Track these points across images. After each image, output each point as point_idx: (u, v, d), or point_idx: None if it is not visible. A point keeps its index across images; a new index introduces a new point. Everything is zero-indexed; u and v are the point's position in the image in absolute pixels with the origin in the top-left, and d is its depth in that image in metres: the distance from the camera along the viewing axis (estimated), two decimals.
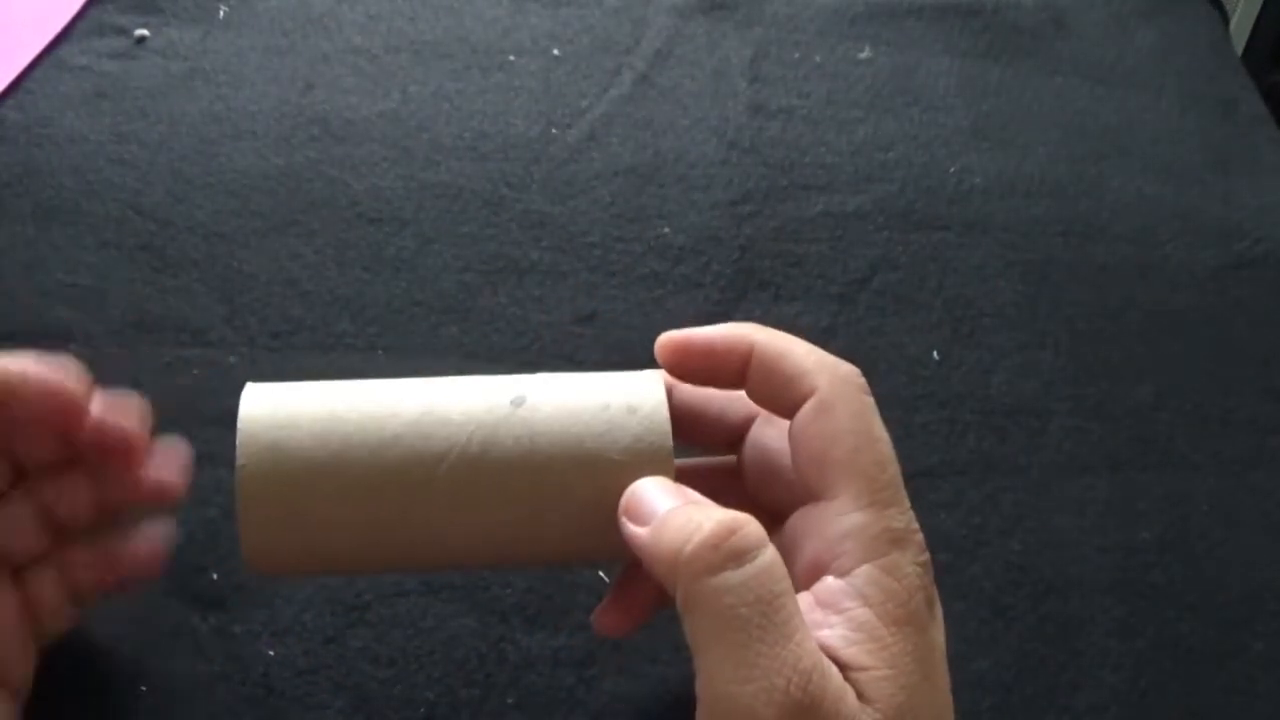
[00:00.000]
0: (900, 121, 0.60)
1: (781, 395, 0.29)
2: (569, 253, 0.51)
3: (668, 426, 0.29)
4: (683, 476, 0.29)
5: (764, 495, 0.31)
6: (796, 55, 0.63)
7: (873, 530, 0.26)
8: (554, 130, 0.56)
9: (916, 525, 0.28)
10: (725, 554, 0.24)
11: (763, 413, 0.32)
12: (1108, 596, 0.42)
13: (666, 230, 0.52)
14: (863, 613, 0.25)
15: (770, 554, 0.25)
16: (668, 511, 0.26)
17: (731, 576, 0.24)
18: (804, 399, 0.28)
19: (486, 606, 0.38)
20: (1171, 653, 0.41)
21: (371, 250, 0.49)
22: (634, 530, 0.27)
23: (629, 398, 0.29)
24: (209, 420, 0.42)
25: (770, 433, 0.32)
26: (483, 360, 0.46)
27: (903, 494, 0.28)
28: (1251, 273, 0.56)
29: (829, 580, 0.26)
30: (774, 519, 0.30)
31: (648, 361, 0.47)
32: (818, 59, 0.64)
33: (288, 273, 0.47)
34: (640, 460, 0.28)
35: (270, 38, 0.58)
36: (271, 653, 0.36)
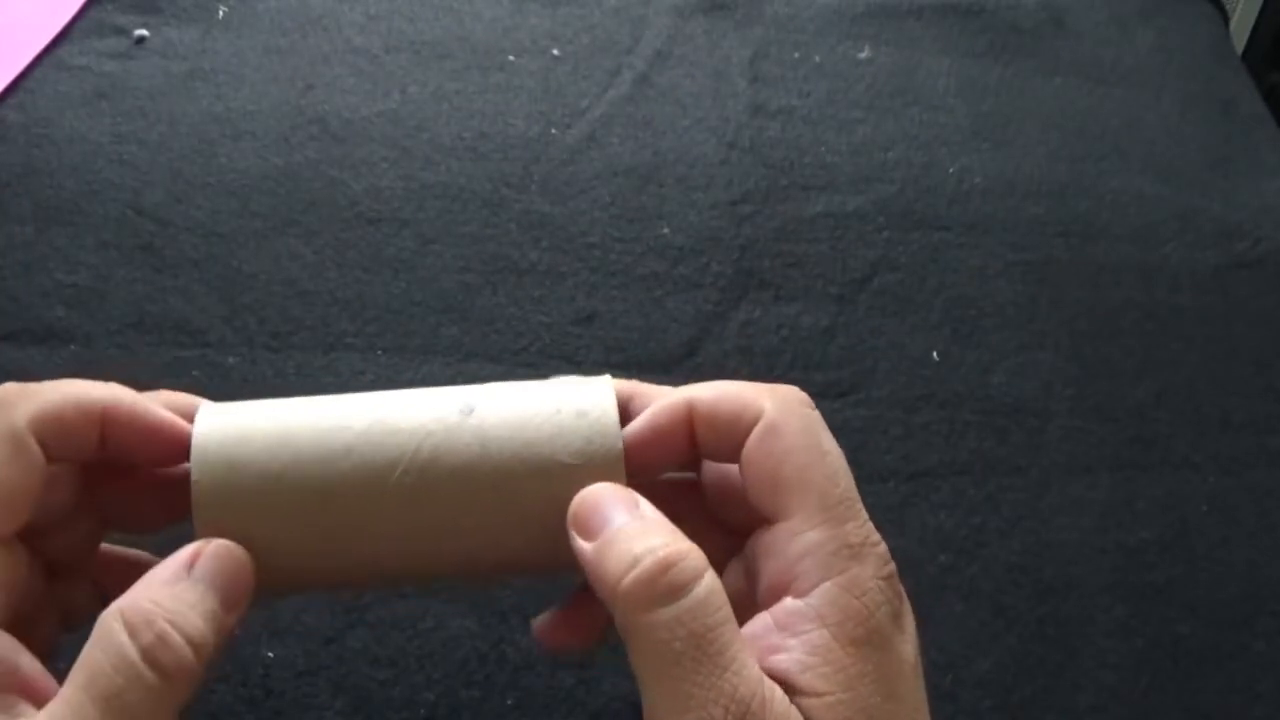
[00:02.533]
0: (900, 121, 0.60)
1: (730, 435, 0.29)
2: (569, 253, 0.51)
3: (617, 429, 0.28)
4: (647, 490, 0.29)
5: (725, 513, 0.31)
6: (796, 55, 0.63)
7: (829, 547, 0.26)
8: (554, 130, 0.56)
9: (877, 537, 0.27)
10: (661, 590, 0.24)
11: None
12: (1108, 596, 0.42)
13: (666, 230, 0.52)
14: (820, 634, 0.25)
15: (706, 586, 0.25)
16: (608, 536, 0.26)
17: (665, 612, 0.24)
18: (751, 427, 0.28)
19: (486, 607, 0.38)
20: (1171, 653, 0.41)
21: (371, 250, 0.49)
22: (580, 545, 0.27)
23: (578, 403, 0.29)
24: None
25: (718, 463, 0.31)
26: (483, 360, 0.46)
27: (859, 507, 0.27)
28: (1251, 273, 0.56)
29: (787, 601, 0.26)
30: (736, 536, 0.30)
31: (648, 361, 0.47)
32: (818, 59, 0.64)
33: (288, 273, 0.47)
34: (591, 464, 0.28)
35: (270, 38, 0.58)
36: (271, 654, 0.36)
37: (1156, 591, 0.43)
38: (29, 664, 0.24)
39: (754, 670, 0.24)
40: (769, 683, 0.24)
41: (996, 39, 0.68)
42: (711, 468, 0.31)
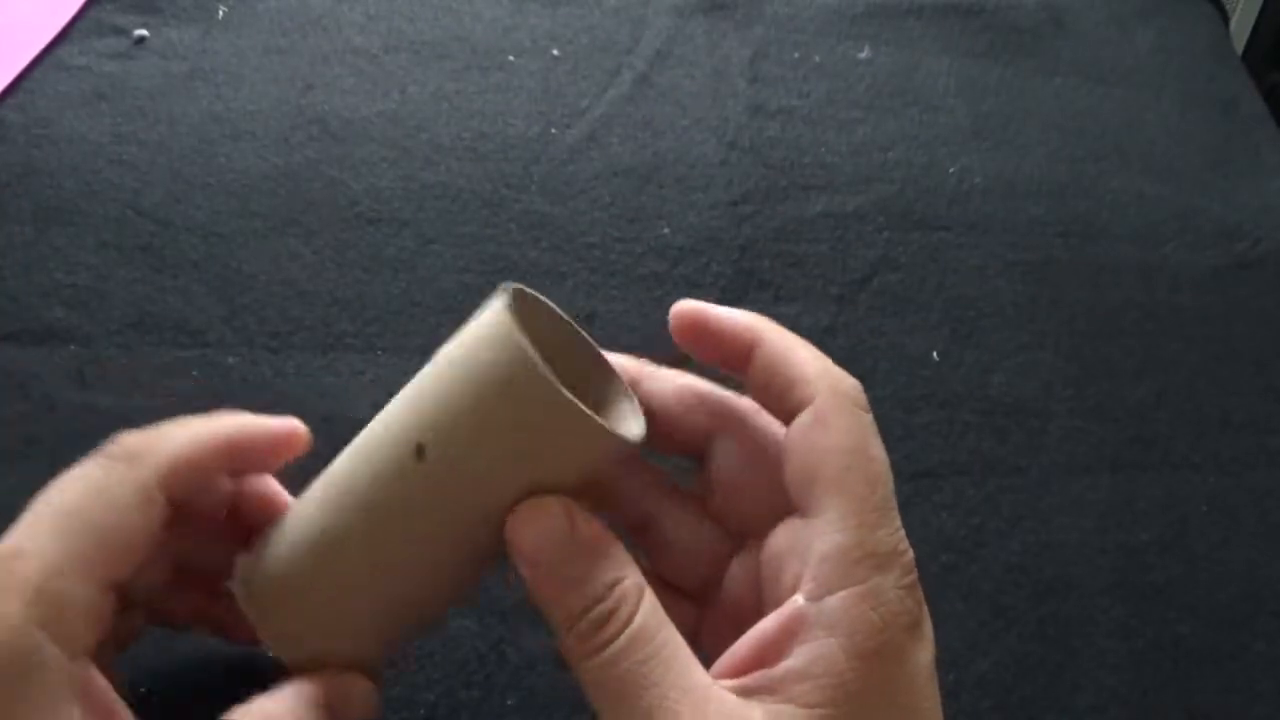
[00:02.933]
0: (900, 121, 0.60)
1: (780, 398, 0.29)
2: (569, 253, 0.51)
3: (552, 396, 0.27)
4: (645, 489, 0.30)
5: (730, 510, 0.31)
6: (796, 55, 0.63)
7: (855, 554, 0.26)
8: (553, 130, 0.56)
9: (905, 545, 0.27)
10: (594, 644, 0.25)
11: (729, 425, 0.31)
12: (1107, 597, 0.42)
13: (666, 230, 0.52)
14: (826, 644, 0.25)
15: (638, 626, 0.25)
16: (545, 569, 0.26)
17: (598, 659, 0.25)
18: (800, 407, 0.28)
19: (486, 607, 0.38)
20: (1171, 653, 0.41)
21: (371, 250, 0.49)
22: (519, 571, 0.27)
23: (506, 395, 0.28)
24: None
25: (736, 449, 0.31)
26: None
27: (894, 514, 0.27)
28: (1251, 273, 0.56)
29: (800, 604, 0.26)
30: (740, 534, 0.30)
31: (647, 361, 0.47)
32: (818, 59, 0.64)
33: (287, 273, 0.47)
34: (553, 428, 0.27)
35: (270, 38, 0.58)
36: (273, 655, 0.36)
37: (1156, 591, 0.43)
38: (118, 701, 0.26)
39: (700, 693, 0.24)
40: (723, 701, 0.25)
41: (996, 39, 0.68)
42: (723, 465, 0.31)
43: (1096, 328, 0.52)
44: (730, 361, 0.30)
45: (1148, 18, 0.72)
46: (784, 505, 0.28)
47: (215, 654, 0.34)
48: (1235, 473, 0.47)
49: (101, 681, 0.26)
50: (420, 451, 0.27)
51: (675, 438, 0.31)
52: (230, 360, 0.44)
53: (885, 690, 0.25)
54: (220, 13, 0.59)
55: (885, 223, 0.54)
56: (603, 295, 0.49)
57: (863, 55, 0.64)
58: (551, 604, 0.26)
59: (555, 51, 0.60)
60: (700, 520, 0.31)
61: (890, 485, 0.27)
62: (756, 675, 0.25)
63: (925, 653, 0.26)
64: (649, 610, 0.25)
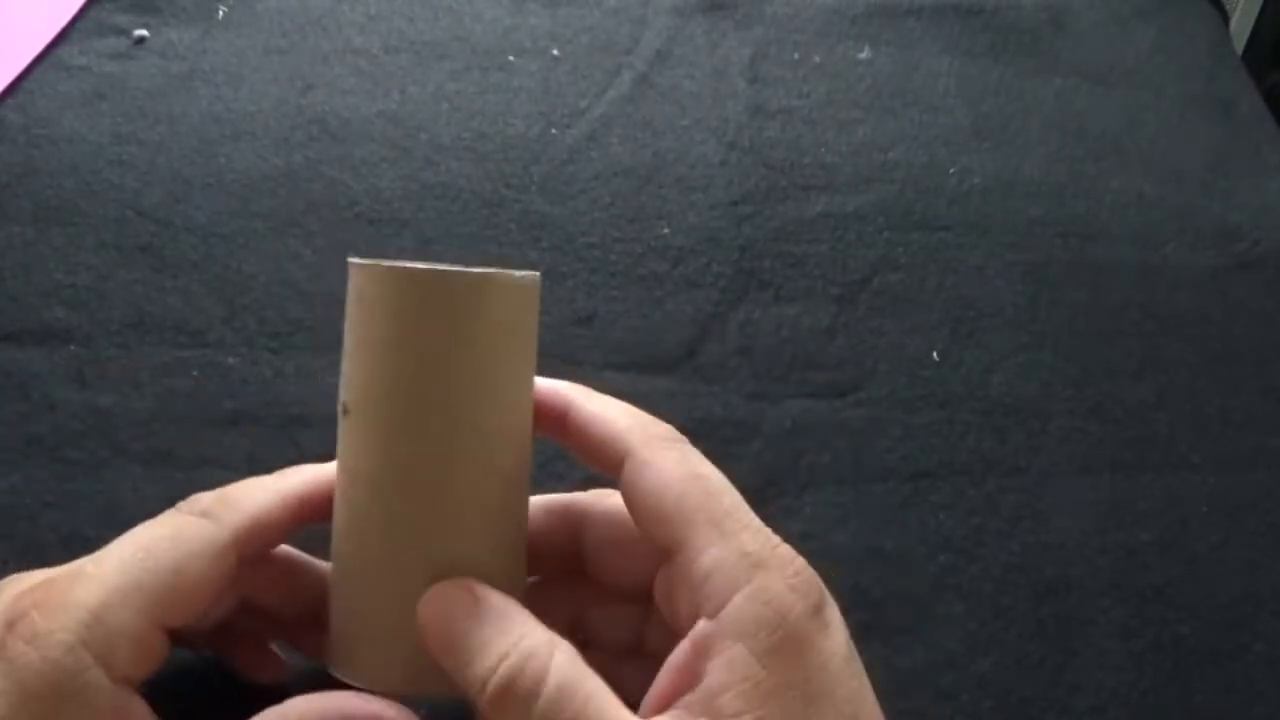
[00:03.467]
0: (900, 121, 0.60)
1: (600, 457, 0.30)
2: (569, 253, 0.51)
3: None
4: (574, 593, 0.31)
5: (620, 584, 0.31)
6: (796, 55, 0.63)
7: (730, 560, 0.26)
8: (553, 130, 0.56)
9: (776, 540, 0.27)
10: (512, 709, 0.25)
11: (587, 517, 0.32)
12: (1108, 597, 0.42)
13: (666, 230, 0.52)
14: (735, 650, 0.25)
15: (556, 684, 0.25)
16: (446, 656, 0.26)
17: None
18: (621, 461, 0.29)
19: None
20: (1171, 653, 0.41)
21: (371, 250, 0.49)
22: (439, 659, 0.27)
23: None
24: (208, 422, 0.42)
25: (599, 531, 0.32)
26: None
27: (750, 518, 0.27)
28: (1251, 273, 0.56)
29: (701, 624, 0.26)
30: (631, 596, 0.31)
31: (648, 362, 0.47)
32: (818, 59, 0.64)
33: (287, 273, 0.47)
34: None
35: (270, 38, 0.58)
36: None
37: (1156, 591, 0.43)
38: None
39: None
40: None
41: (996, 39, 0.68)
42: (593, 551, 0.32)
43: (1096, 328, 0.52)
44: (547, 429, 0.31)
45: (1148, 18, 0.72)
46: (658, 554, 0.28)
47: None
48: (1235, 473, 0.47)
49: (141, 709, 0.26)
50: (344, 409, 0.28)
51: (555, 552, 0.32)
52: (230, 360, 0.44)
53: (797, 681, 0.25)
54: (220, 13, 0.59)
55: (885, 223, 0.54)
56: (603, 295, 0.49)
57: (863, 55, 0.64)
58: (463, 677, 0.26)
59: (555, 51, 0.60)
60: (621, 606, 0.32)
61: (734, 494, 0.28)
62: (681, 703, 0.25)
63: (834, 639, 0.26)
64: (565, 664, 0.25)
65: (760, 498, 0.32)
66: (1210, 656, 0.41)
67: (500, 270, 0.29)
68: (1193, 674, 0.40)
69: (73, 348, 0.43)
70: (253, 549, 0.28)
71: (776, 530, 0.28)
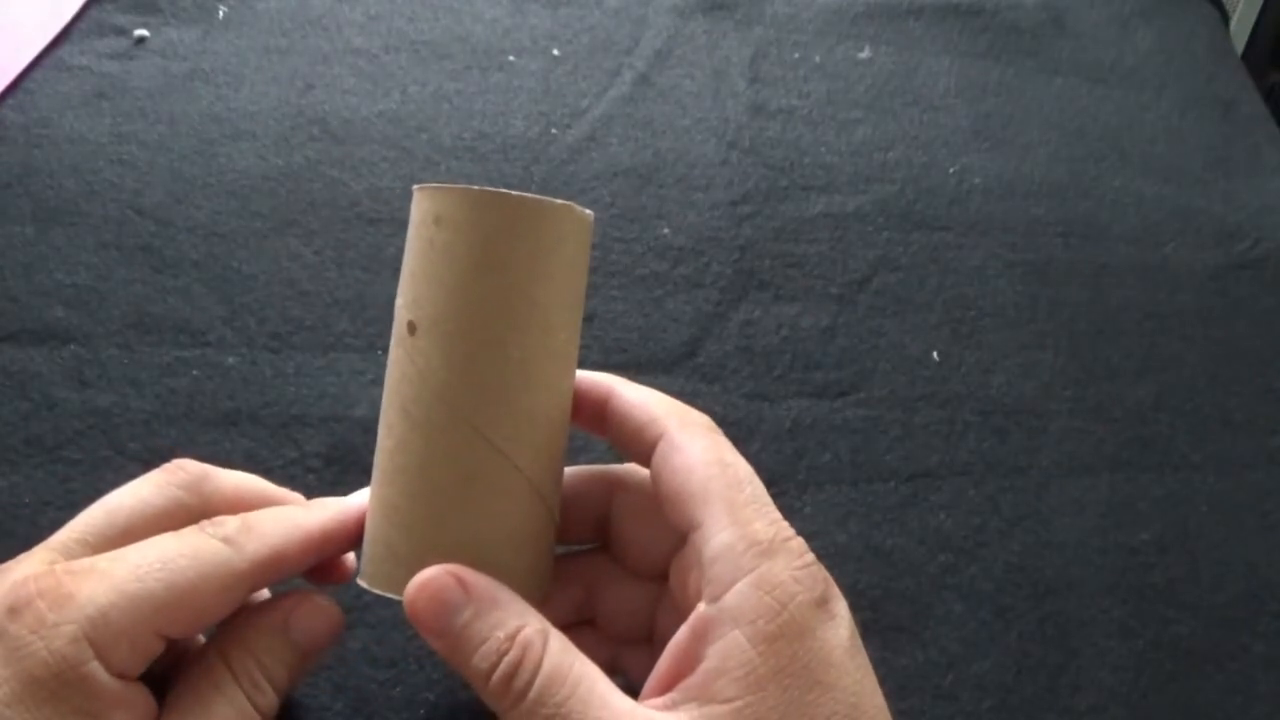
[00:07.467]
0: (900, 121, 0.60)
1: (636, 441, 0.30)
2: None
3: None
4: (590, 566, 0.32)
5: (639, 562, 0.32)
6: (796, 55, 0.63)
7: (739, 547, 0.27)
8: (554, 130, 0.56)
9: (790, 532, 0.28)
10: (511, 696, 0.26)
11: (619, 487, 0.32)
12: (1108, 597, 0.42)
13: (666, 230, 0.52)
14: (733, 637, 0.26)
15: (549, 669, 0.26)
16: (444, 648, 0.27)
17: (519, 710, 0.26)
18: (655, 443, 0.30)
19: None
20: (1171, 653, 0.41)
21: (371, 250, 0.49)
22: (433, 647, 0.28)
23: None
24: (208, 422, 0.42)
25: (627, 505, 0.32)
26: None
27: (768, 508, 0.28)
28: (1251, 273, 0.56)
29: (702, 608, 0.27)
30: (656, 581, 0.31)
31: (648, 362, 0.47)
32: (818, 59, 0.64)
33: (287, 273, 0.47)
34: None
35: (270, 38, 0.58)
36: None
37: (1156, 591, 0.43)
38: None
39: None
40: None
41: (996, 39, 0.68)
42: (619, 523, 0.32)
43: (1096, 328, 0.52)
44: (587, 418, 0.32)
45: (1148, 18, 0.72)
46: (675, 536, 0.29)
47: None
48: (1235, 473, 0.47)
49: (147, 701, 0.27)
50: (411, 327, 0.29)
51: (582, 517, 0.33)
52: (230, 360, 0.44)
53: (794, 670, 0.25)
54: (220, 13, 0.59)
55: (885, 223, 0.54)
56: (603, 295, 0.49)
57: (863, 55, 0.64)
58: (462, 666, 0.27)
59: (555, 51, 0.60)
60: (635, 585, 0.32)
61: (757, 484, 0.29)
62: (679, 687, 0.26)
63: (838, 629, 0.27)
64: (557, 651, 0.26)
65: None
66: (1210, 656, 0.41)
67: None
68: (1193, 674, 0.40)
69: (73, 348, 0.43)
70: (267, 580, 0.29)
71: None
